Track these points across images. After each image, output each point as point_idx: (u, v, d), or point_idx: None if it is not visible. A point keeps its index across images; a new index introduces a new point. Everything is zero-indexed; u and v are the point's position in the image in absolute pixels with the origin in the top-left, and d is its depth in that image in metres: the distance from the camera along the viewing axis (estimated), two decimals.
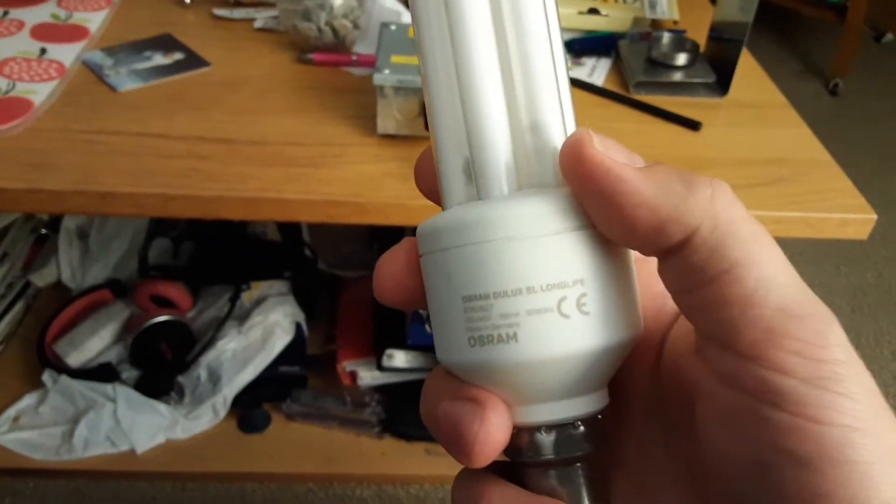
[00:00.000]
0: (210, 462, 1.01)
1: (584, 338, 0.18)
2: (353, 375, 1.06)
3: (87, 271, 1.18)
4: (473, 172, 0.20)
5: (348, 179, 0.62)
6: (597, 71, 0.82)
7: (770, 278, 0.17)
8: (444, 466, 1.02)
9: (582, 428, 0.20)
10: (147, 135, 0.66)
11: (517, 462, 0.20)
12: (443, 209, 0.21)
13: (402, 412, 1.04)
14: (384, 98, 0.65)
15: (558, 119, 0.20)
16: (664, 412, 0.21)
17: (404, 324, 0.94)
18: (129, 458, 0.99)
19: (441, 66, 0.20)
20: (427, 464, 1.02)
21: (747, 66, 0.84)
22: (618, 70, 0.82)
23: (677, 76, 0.79)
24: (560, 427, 0.19)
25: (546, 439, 0.19)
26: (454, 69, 0.20)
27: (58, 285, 1.19)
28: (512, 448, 0.20)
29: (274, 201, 0.60)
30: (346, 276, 1.17)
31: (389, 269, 0.21)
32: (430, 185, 0.22)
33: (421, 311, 0.92)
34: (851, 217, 0.62)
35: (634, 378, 0.22)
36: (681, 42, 0.81)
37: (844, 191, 0.65)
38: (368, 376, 1.04)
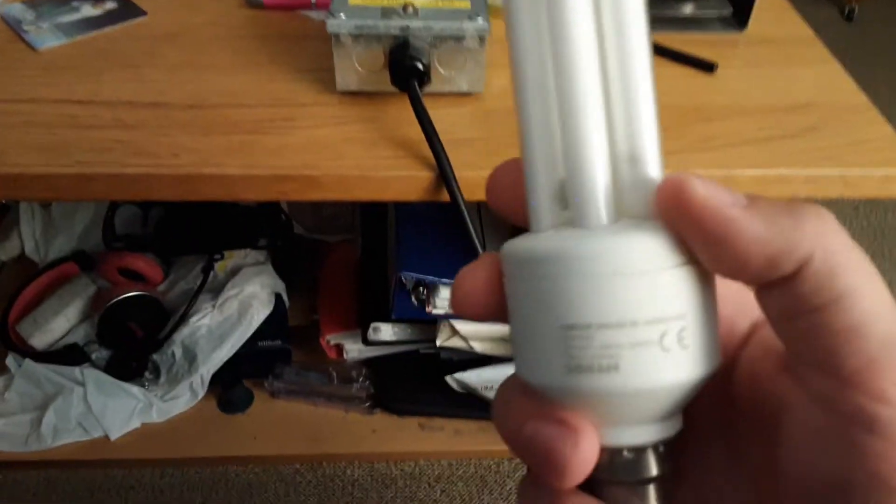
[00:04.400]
0: (189, 446, 0.94)
1: (683, 371, 0.19)
2: (339, 349, 0.98)
3: (52, 243, 1.10)
4: (570, 197, 0.20)
5: (301, 147, 0.53)
6: None
7: (875, 310, 0.17)
8: (440, 442, 0.95)
9: (661, 450, 0.21)
10: (67, 101, 0.56)
11: (593, 477, 0.20)
12: (531, 229, 0.21)
13: (392, 386, 0.97)
14: (341, 48, 0.55)
15: (656, 150, 0.20)
16: (733, 431, 0.22)
17: (388, 295, 0.86)
18: (103, 444, 0.93)
19: (537, 81, 0.20)
20: (421, 439, 0.96)
21: None
22: None
23: (688, 9, 0.68)
24: (641, 449, 0.20)
25: (626, 460, 0.20)
26: (552, 84, 0.19)
27: (22, 259, 1.11)
28: None
29: (212, 178, 0.50)
30: (327, 240, 1.09)
31: (470, 285, 0.21)
32: (504, 199, 0.22)
33: (406, 282, 0.84)
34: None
35: (700, 398, 0.22)
36: None
37: (885, 140, 0.56)
38: (355, 350, 0.97)
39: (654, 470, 0.21)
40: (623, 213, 0.20)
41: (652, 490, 0.21)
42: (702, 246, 0.19)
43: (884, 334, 0.17)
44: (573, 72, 0.19)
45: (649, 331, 0.19)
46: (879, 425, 0.17)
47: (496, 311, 0.21)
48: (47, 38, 0.63)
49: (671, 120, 0.57)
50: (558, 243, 0.19)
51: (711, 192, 0.18)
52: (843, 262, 0.18)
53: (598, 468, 0.20)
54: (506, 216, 0.23)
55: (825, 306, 0.18)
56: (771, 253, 0.18)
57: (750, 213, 0.18)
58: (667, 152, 0.56)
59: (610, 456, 0.20)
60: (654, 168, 0.20)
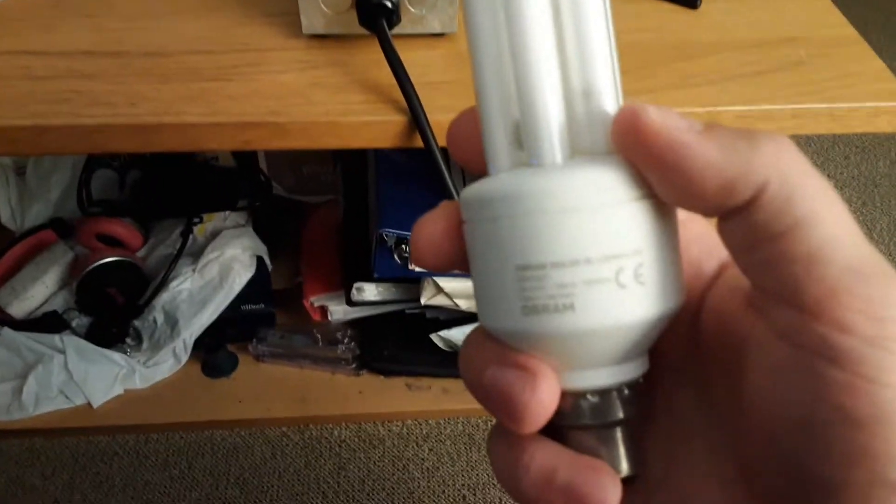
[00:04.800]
0: (174, 411, 0.93)
1: (641, 308, 0.19)
2: (323, 310, 0.97)
3: (28, 211, 1.08)
4: (524, 137, 0.19)
5: (267, 93, 0.51)
6: None
7: (836, 236, 0.17)
8: (427, 401, 0.94)
9: (625, 392, 0.20)
10: (21, 52, 0.53)
11: (558, 424, 0.20)
12: (489, 174, 0.21)
13: (378, 347, 0.96)
14: None
15: (611, 84, 0.19)
16: (700, 373, 0.22)
17: (371, 254, 0.84)
18: (86, 412, 0.92)
19: (488, 21, 0.19)
20: (409, 399, 0.95)
21: None
22: None
23: None
24: (604, 392, 0.20)
25: (590, 404, 0.20)
26: (503, 23, 0.19)
27: None
28: (555, 410, 0.20)
29: (172, 127, 0.48)
30: (308, 201, 1.07)
31: (428, 234, 0.21)
32: (465, 149, 0.22)
33: (387, 239, 0.82)
34: (885, 106, 0.51)
35: (667, 341, 0.22)
36: None
37: (874, 73, 0.54)
38: (339, 311, 0.95)
39: (619, 413, 0.20)
40: (582, 151, 0.19)
41: (619, 434, 0.20)
42: (657, 174, 0.18)
43: (845, 260, 0.17)
44: (522, 7, 0.19)
45: (604, 268, 0.18)
46: (842, 356, 0.16)
47: (456, 260, 0.21)
48: None
49: (652, 57, 0.54)
50: (509, 182, 0.19)
51: (666, 119, 0.18)
52: (801, 187, 0.17)
53: (562, 414, 0.20)
54: (468, 167, 0.22)
55: (783, 233, 0.17)
56: (726, 178, 0.17)
57: (705, 138, 0.17)
58: (647, 90, 0.53)
59: (574, 400, 0.20)
60: (609, 102, 0.19)
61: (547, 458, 0.20)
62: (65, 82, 0.51)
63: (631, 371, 0.20)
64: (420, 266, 0.22)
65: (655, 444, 0.23)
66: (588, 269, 0.18)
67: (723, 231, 0.19)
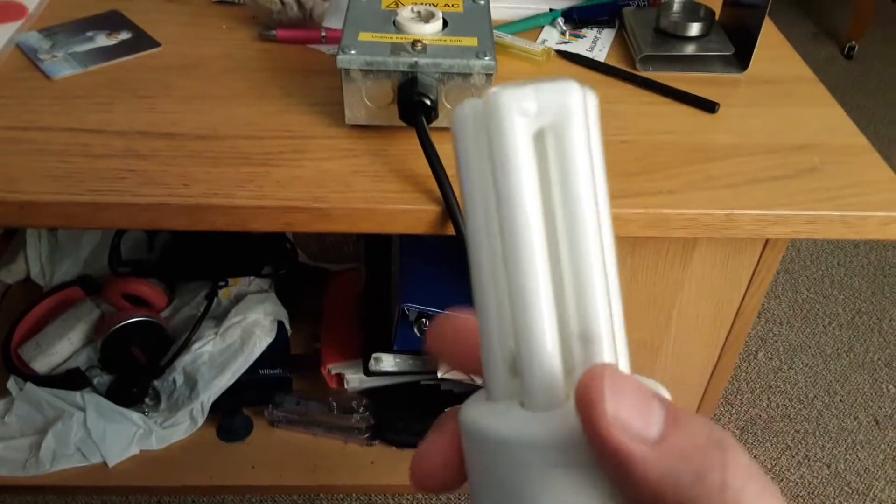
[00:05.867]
0: (187, 474, 0.94)
1: None
2: (340, 378, 0.98)
3: (57, 267, 1.11)
4: (520, 374, 0.19)
5: (310, 179, 0.54)
6: (598, 44, 0.73)
7: None
8: None
9: None
10: (80, 130, 0.57)
11: None
12: (487, 395, 0.21)
13: (392, 418, 0.97)
14: (351, 82, 0.56)
15: (608, 330, 0.20)
16: None
17: (392, 325, 0.86)
18: (101, 471, 0.93)
19: (490, 258, 0.20)
20: None
21: (770, 36, 0.74)
22: (622, 42, 0.73)
23: (690, 48, 0.69)
24: None
25: None
26: (500, 261, 0.19)
27: (27, 282, 1.11)
28: None
29: (221, 208, 0.51)
30: (331, 268, 1.09)
31: (429, 466, 0.21)
32: (445, 350, 0.23)
33: (409, 314, 0.84)
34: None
35: None
36: (694, 8, 0.72)
37: (886, 182, 0.57)
38: (356, 380, 0.97)
39: None
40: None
41: None
42: (601, 464, 0.18)
43: None
44: (520, 252, 0.19)
45: None
46: None
47: (456, 483, 0.21)
48: (62, 67, 0.64)
49: (672, 158, 0.57)
50: (495, 424, 0.19)
51: (620, 413, 0.17)
52: None
53: None
54: (446, 363, 0.23)
55: None
56: (664, 502, 0.17)
57: (654, 453, 0.17)
58: (668, 190, 0.56)
59: None
60: (607, 349, 0.19)
61: None
62: (121, 161, 0.54)
63: None
64: (422, 490, 0.22)
65: None
66: None
67: None
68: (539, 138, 0.19)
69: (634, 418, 0.17)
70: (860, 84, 1.98)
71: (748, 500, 0.17)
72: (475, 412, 0.20)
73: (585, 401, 0.17)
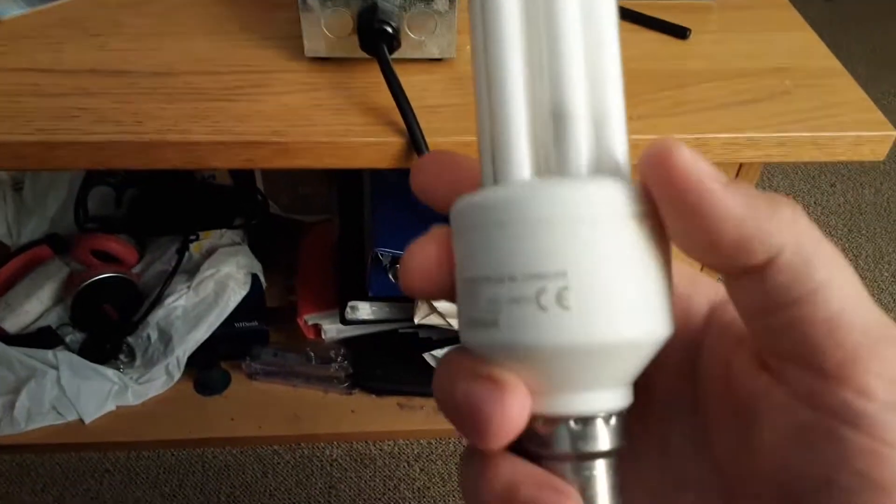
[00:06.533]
0: (166, 428, 0.93)
1: (560, 333, 0.18)
2: (317, 329, 0.98)
3: (24, 226, 1.08)
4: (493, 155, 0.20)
5: (270, 114, 0.52)
6: None
7: (853, 302, 0.17)
8: (419, 421, 0.95)
9: (611, 422, 0.19)
10: (29, 70, 0.55)
11: (538, 453, 0.19)
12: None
13: (371, 366, 0.96)
14: (309, 12, 0.54)
15: (583, 107, 0.19)
16: (700, 421, 0.21)
17: (366, 273, 0.85)
18: (77, 428, 0.92)
19: (480, 49, 0.20)
20: (400, 419, 0.96)
21: None
22: None
23: None
24: (587, 420, 0.19)
25: (570, 431, 0.19)
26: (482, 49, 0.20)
27: None
28: (528, 435, 0.19)
29: (177, 145, 0.49)
30: (304, 220, 1.08)
31: (419, 261, 0.21)
32: (428, 187, 0.22)
33: (382, 259, 0.84)
34: (867, 135, 0.53)
35: (662, 378, 0.22)
36: None
37: (857, 103, 0.56)
38: (333, 329, 0.96)
39: (599, 444, 0.19)
40: (551, 173, 0.19)
41: (599, 468, 0.20)
42: (676, 215, 0.18)
43: (864, 325, 0.17)
44: (494, 32, 0.19)
45: (526, 287, 0.18)
46: (864, 422, 0.17)
47: (445, 288, 0.20)
48: (9, 7, 0.61)
49: (643, 86, 0.56)
50: (468, 198, 0.19)
51: (696, 162, 0.18)
52: (817, 254, 0.17)
53: (542, 441, 0.19)
54: (430, 203, 0.23)
55: (801, 299, 0.17)
56: (743, 235, 0.17)
57: (730, 191, 0.17)
58: (638, 116, 0.55)
59: (554, 427, 0.19)
60: (582, 126, 0.19)
61: (511, 472, 0.19)
62: (72, 100, 0.52)
63: (605, 401, 0.19)
64: (410, 293, 0.21)
65: (641, 479, 0.22)
66: (512, 287, 0.18)
67: (734, 292, 0.19)
68: None
69: (709, 167, 0.18)
70: (838, 23, 1.97)
71: (819, 239, 0.18)
72: (500, 191, 0.19)
73: (663, 151, 0.18)
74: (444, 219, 0.21)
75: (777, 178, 1.54)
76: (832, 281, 0.17)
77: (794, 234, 0.17)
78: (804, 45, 0.62)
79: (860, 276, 0.18)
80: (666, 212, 0.18)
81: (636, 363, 0.19)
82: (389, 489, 0.93)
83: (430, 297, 0.22)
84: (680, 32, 0.61)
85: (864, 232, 1.42)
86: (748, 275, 0.18)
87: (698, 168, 0.17)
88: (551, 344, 0.18)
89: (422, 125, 0.51)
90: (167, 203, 1.03)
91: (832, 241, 0.18)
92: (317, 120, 0.52)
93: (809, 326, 0.17)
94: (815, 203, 1.48)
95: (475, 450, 0.20)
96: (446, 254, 0.20)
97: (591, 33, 0.19)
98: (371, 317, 0.91)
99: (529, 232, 0.18)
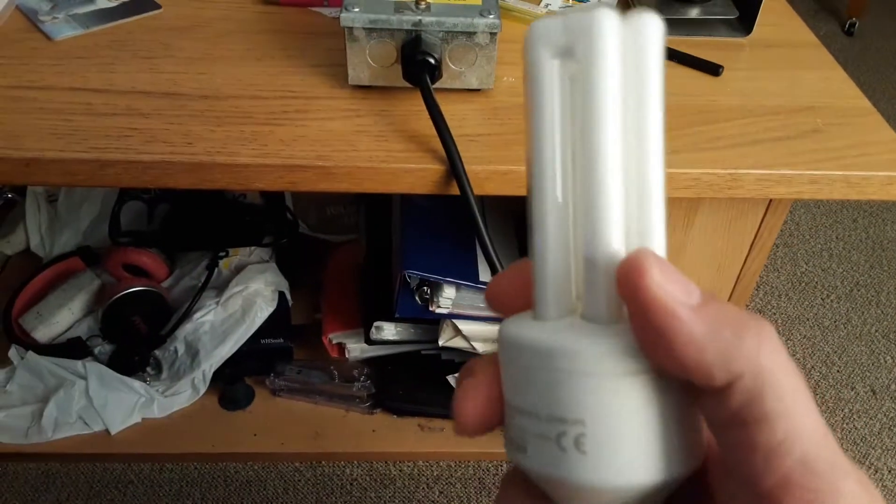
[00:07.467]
0: (189, 442, 0.94)
1: (579, 473, 0.20)
2: (341, 348, 0.99)
3: (57, 238, 1.11)
4: (586, 281, 0.20)
5: (314, 138, 0.54)
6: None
7: (798, 431, 0.18)
8: (438, 443, 0.96)
9: None
10: (82, 89, 0.57)
11: None
12: (535, 314, 0.22)
13: (393, 386, 0.97)
14: (355, 42, 0.56)
15: (612, 257, 0.20)
16: None
17: (392, 294, 0.86)
18: (103, 438, 0.93)
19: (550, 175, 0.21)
20: (420, 440, 0.96)
21: (773, 1, 0.74)
22: (626, 6, 0.73)
23: (694, 12, 0.69)
24: None
25: None
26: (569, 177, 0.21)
27: (26, 253, 1.11)
28: None
29: (225, 167, 0.51)
30: (331, 239, 1.09)
31: (473, 405, 0.22)
32: (507, 304, 0.23)
33: (410, 281, 0.85)
34: None
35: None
36: None
37: (888, 143, 0.57)
38: (357, 349, 0.97)
39: None
40: (583, 313, 0.21)
41: None
42: (643, 332, 0.19)
43: (801, 455, 0.18)
44: (597, 151, 0.19)
45: (549, 427, 0.20)
46: None
47: (497, 420, 0.22)
48: (63, 28, 0.64)
49: (677, 120, 0.57)
50: (513, 331, 0.21)
51: (666, 282, 0.18)
52: (774, 382, 0.18)
53: None
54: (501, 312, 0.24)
55: (751, 422, 0.18)
56: (705, 361, 0.18)
57: (696, 315, 0.18)
58: (672, 151, 0.56)
59: None
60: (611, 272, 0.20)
61: None
62: (124, 119, 0.54)
63: None
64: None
65: None
66: (538, 424, 0.20)
67: (700, 402, 0.20)
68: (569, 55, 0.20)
69: (677, 288, 0.19)
70: (860, 60, 1.98)
71: (779, 367, 0.18)
72: (530, 331, 0.21)
73: (635, 268, 0.19)
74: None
75: (799, 212, 1.54)
76: (782, 410, 0.18)
77: (754, 363, 0.18)
78: (834, 84, 0.63)
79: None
80: (634, 325, 0.19)
81: (650, 501, 0.21)
82: None
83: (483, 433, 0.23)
84: (713, 69, 0.62)
85: (885, 268, 1.42)
86: (711, 394, 0.19)
87: (666, 291, 0.18)
88: (569, 481, 0.20)
89: (460, 152, 0.52)
90: (198, 219, 1.05)
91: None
92: (359, 145, 0.54)
93: (751, 450, 0.18)
94: (836, 238, 1.48)
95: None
96: (496, 395, 0.22)
97: (634, 151, 0.20)
98: (395, 337, 0.92)
99: (554, 379, 0.20)
